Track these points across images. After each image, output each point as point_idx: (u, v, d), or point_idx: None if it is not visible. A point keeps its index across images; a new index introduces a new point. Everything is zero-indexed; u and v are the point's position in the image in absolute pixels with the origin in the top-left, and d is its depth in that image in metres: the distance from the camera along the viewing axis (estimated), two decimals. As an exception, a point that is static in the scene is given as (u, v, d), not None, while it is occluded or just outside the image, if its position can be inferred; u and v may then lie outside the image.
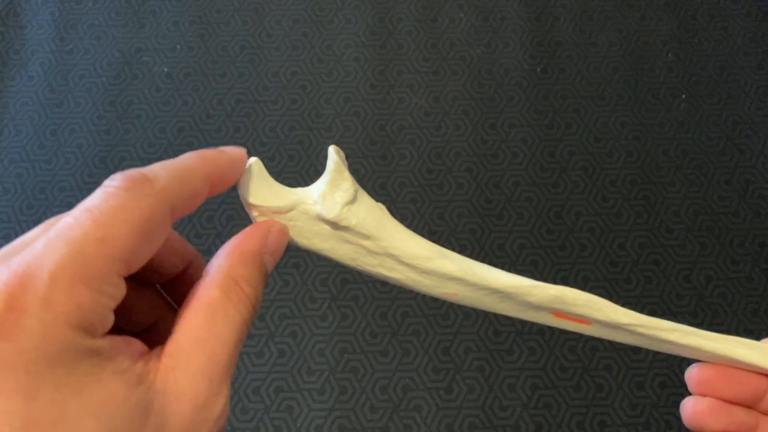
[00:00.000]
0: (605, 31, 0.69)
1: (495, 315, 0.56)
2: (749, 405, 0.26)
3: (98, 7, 0.70)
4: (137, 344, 0.19)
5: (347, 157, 0.63)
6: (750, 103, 0.65)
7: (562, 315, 0.26)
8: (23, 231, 0.59)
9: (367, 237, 0.24)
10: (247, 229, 0.23)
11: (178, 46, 0.68)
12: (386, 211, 0.26)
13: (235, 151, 0.23)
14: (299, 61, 0.67)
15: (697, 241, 0.59)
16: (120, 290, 0.18)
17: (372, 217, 0.25)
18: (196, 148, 0.64)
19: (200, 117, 0.64)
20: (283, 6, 0.70)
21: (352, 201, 0.24)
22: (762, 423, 0.26)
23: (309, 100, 0.65)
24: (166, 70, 0.67)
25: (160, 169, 0.20)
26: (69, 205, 0.61)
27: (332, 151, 0.25)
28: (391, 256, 0.25)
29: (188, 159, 0.21)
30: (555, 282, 0.57)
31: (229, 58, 0.67)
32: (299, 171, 0.62)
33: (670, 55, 0.67)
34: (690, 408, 0.26)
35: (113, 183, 0.19)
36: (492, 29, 0.69)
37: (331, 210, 0.24)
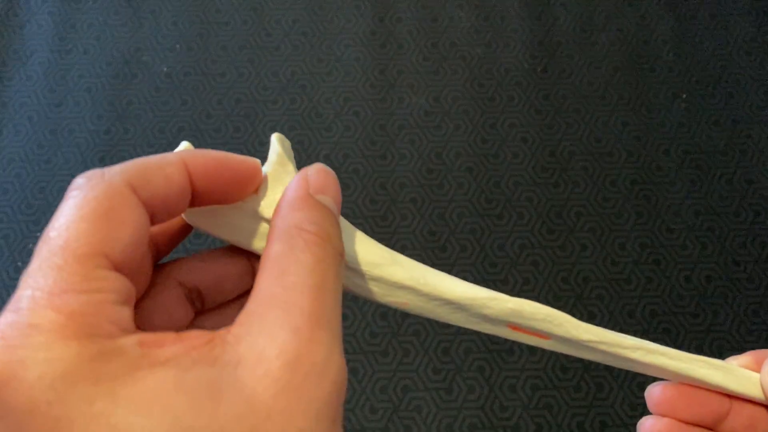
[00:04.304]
0: (606, 31, 0.69)
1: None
2: (710, 426, 0.25)
3: (97, 6, 0.70)
4: (195, 334, 0.17)
5: (346, 156, 0.63)
6: (751, 103, 0.65)
7: (519, 329, 0.25)
8: (22, 231, 0.59)
9: None
10: (286, 186, 0.21)
11: (178, 46, 0.68)
12: None
13: (243, 157, 0.21)
14: (299, 61, 0.67)
15: (698, 241, 0.59)
16: (117, 283, 0.17)
17: None
18: (195, 148, 0.65)
19: (200, 117, 0.64)
20: (283, 5, 0.70)
21: None
22: None
23: (309, 100, 0.65)
24: (165, 69, 0.67)
25: (120, 163, 0.19)
26: (68, 205, 0.61)
27: (275, 140, 0.23)
28: None
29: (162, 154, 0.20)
30: (555, 282, 0.57)
31: (229, 57, 0.67)
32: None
33: (670, 55, 0.67)
34: (647, 428, 0.25)
35: (71, 187, 0.18)
36: (492, 29, 0.69)
37: (272, 207, 0.22)
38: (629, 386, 0.53)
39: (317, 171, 0.21)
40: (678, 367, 0.25)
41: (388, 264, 0.23)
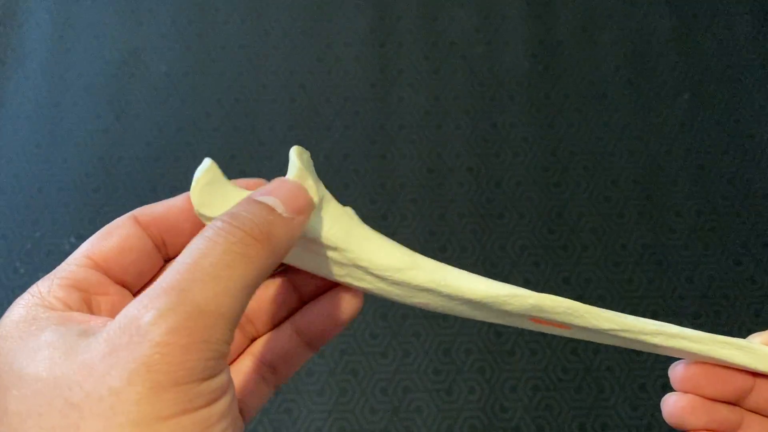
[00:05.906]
0: (607, 30, 0.68)
1: (496, 316, 0.55)
2: (734, 402, 0.26)
3: (96, 5, 0.70)
4: (116, 318, 0.19)
5: (346, 156, 0.62)
6: (753, 102, 0.65)
7: (541, 320, 0.25)
8: (20, 231, 0.59)
9: (333, 248, 0.23)
10: None
11: (177, 45, 0.67)
12: (354, 217, 0.24)
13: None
14: (298, 60, 0.67)
15: (699, 241, 0.58)
16: (79, 273, 0.21)
17: (339, 226, 0.23)
18: (194, 148, 0.64)
19: (199, 116, 0.64)
20: (282, 4, 0.70)
21: (317, 210, 0.22)
22: (746, 419, 0.26)
23: (308, 100, 0.65)
24: (164, 69, 0.66)
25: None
26: (66, 205, 0.60)
27: (293, 154, 0.22)
28: (360, 267, 0.23)
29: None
30: (557, 283, 0.56)
31: (228, 56, 0.67)
32: (298, 171, 0.62)
33: (672, 54, 0.67)
34: (671, 405, 0.26)
35: None
36: (493, 28, 0.69)
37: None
38: (630, 387, 0.53)
39: (274, 180, 0.22)
40: (700, 350, 0.25)
41: (409, 268, 0.24)
